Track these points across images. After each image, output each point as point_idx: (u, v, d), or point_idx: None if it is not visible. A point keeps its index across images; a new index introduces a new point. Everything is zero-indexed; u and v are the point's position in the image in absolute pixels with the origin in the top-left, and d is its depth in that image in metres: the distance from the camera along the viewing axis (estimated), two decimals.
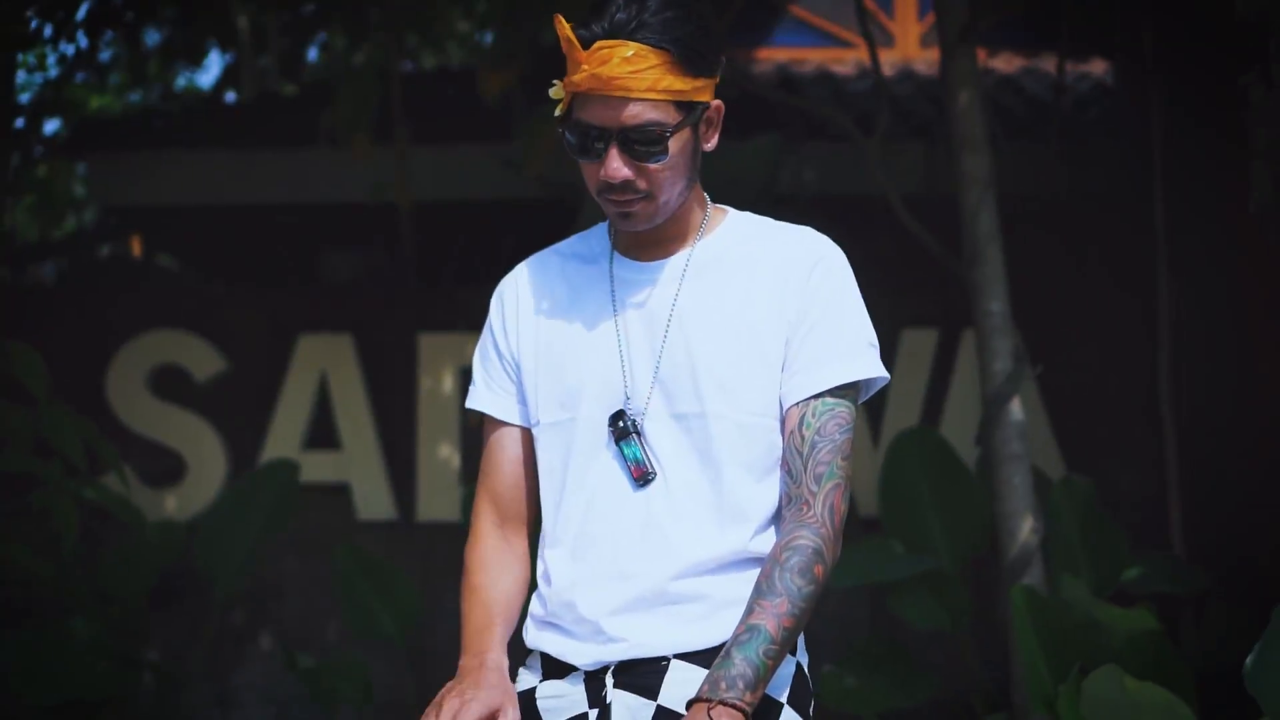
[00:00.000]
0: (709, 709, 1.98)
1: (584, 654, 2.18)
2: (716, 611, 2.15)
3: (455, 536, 2.83)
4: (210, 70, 20.56)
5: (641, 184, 2.15)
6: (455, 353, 6.15)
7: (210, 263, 8.58)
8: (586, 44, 2.10)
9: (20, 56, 5.44)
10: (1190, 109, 5.43)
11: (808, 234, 2.28)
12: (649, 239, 2.26)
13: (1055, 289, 6.03)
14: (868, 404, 5.97)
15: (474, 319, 2.35)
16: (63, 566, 5.26)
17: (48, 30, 5.82)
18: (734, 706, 1.99)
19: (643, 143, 2.12)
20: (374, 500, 6.19)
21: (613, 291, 2.26)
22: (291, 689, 5.90)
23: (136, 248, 9.23)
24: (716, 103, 2.20)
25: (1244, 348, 5.29)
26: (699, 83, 2.14)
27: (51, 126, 9.76)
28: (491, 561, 2.30)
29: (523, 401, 2.30)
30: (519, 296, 2.32)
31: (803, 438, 2.16)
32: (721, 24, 5.49)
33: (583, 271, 2.30)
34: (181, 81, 12.23)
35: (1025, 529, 4.53)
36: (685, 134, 2.15)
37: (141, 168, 7.02)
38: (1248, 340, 5.26)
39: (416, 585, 5.60)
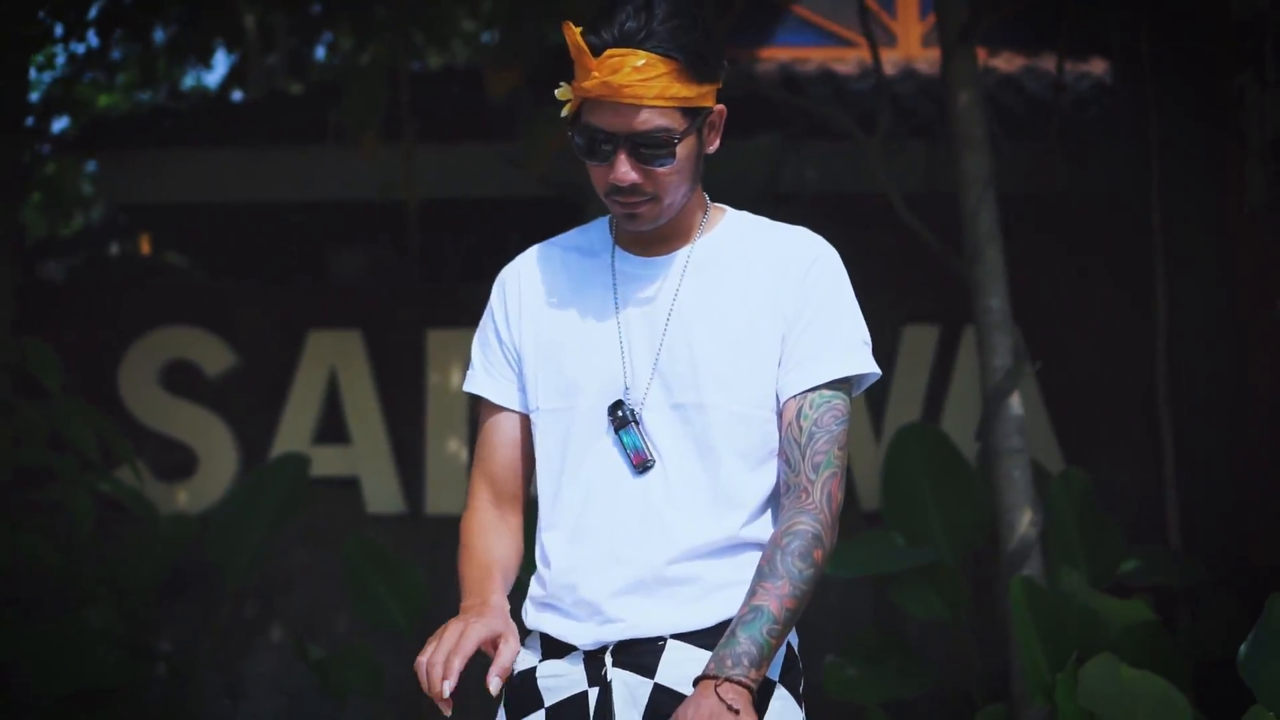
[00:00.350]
0: (716, 685, 2.04)
1: (584, 634, 2.23)
2: (710, 594, 2.21)
3: None
4: (217, 69, 20.58)
5: (648, 187, 2.21)
6: (462, 348, 6.08)
7: (218, 260, 8.57)
8: (597, 51, 2.15)
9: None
10: (1188, 108, 5.44)
11: (804, 234, 2.33)
12: (651, 236, 2.31)
13: (1054, 286, 6.04)
14: (870, 399, 6.06)
15: (480, 315, 2.40)
16: (76, 558, 5.28)
17: (59, 29, 5.88)
18: (739, 683, 2.04)
19: (651, 148, 2.18)
20: (383, 494, 6.21)
21: (615, 285, 2.31)
22: (302, 680, 5.91)
23: (145, 245, 9.24)
24: (719, 107, 2.26)
25: (1240, 343, 5.30)
26: (704, 89, 2.20)
27: (60, 125, 9.81)
28: (489, 529, 2.36)
29: (521, 388, 2.35)
30: (521, 286, 2.37)
31: (801, 429, 2.22)
32: (724, 24, 5.53)
33: (584, 264, 2.35)
34: (189, 81, 12.25)
35: (1024, 522, 4.54)
36: (691, 138, 2.21)
37: (150, 166, 7.02)
38: (1244, 336, 5.27)
39: (425, 577, 5.60)
